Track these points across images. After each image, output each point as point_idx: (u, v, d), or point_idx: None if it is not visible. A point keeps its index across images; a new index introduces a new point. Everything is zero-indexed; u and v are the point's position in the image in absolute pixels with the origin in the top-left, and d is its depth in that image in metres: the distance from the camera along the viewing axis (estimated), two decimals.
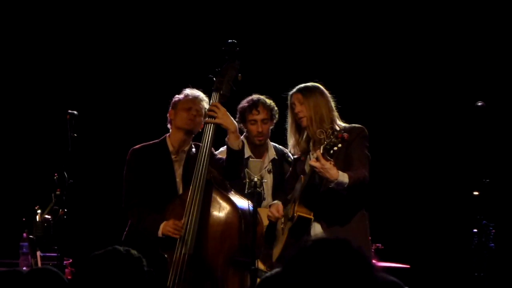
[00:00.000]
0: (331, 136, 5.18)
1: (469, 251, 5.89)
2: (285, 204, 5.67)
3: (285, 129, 5.78)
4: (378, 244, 6.61)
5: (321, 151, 5.19)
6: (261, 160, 5.81)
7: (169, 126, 5.86)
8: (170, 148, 5.78)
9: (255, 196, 5.33)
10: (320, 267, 2.28)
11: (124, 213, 5.74)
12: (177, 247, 5.43)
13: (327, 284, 2.25)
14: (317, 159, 5.22)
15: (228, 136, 5.56)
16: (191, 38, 8.07)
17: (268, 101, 6.15)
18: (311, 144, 5.59)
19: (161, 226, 5.50)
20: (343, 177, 5.27)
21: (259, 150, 6.20)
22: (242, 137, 6.20)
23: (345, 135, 5.19)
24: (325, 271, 2.27)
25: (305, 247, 2.35)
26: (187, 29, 8.13)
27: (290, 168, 5.88)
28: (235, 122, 5.61)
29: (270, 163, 6.19)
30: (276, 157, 6.19)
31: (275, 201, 5.73)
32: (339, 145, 5.17)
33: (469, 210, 6.02)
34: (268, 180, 6.12)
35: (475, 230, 5.85)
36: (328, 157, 5.20)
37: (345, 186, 5.28)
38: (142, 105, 7.85)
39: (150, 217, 5.58)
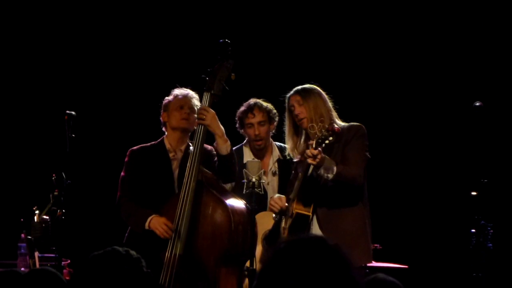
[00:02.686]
0: (322, 130, 5.21)
1: (467, 251, 5.89)
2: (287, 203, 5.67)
3: (283, 132, 5.78)
4: (376, 245, 6.60)
5: (314, 146, 5.22)
6: (259, 160, 5.80)
7: (164, 129, 5.86)
8: (168, 146, 5.79)
9: (253, 197, 5.34)
10: (296, 268, 2.27)
11: (116, 211, 5.74)
12: (168, 248, 5.44)
13: (304, 285, 2.24)
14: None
15: (216, 141, 5.56)
16: (186, 39, 8.07)
17: (265, 104, 6.13)
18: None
19: (151, 219, 5.50)
20: (330, 163, 5.28)
21: (262, 154, 6.17)
22: (244, 142, 6.20)
23: (336, 128, 5.24)
24: (301, 271, 2.26)
25: (279, 249, 2.34)
26: (181, 29, 8.13)
27: (292, 171, 5.87)
28: (222, 127, 5.58)
29: (276, 164, 6.16)
30: (281, 157, 6.16)
31: (277, 195, 5.74)
32: (330, 138, 5.21)
33: (467, 210, 6.02)
34: (274, 182, 6.11)
35: (473, 230, 5.84)
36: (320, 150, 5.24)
37: (334, 172, 5.28)
38: (139, 105, 7.85)
39: (139, 211, 5.58)
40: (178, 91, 5.84)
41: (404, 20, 8.00)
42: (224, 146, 5.54)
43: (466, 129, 6.54)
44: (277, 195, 5.75)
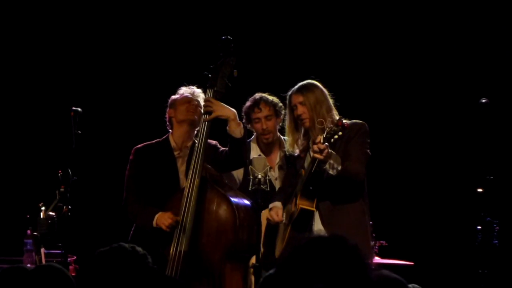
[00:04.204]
0: (331, 125, 5.20)
1: (473, 248, 5.89)
2: (285, 204, 5.67)
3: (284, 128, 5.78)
4: (382, 241, 6.61)
5: (322, 141, 5.20)
6: (265, 157, 5.80)
7: (168, 128, 5.86)
8: (173, 144, 5.79)
9: (259, 193, 5.34)
10: (315, 265, 2.27)
11: (123, 211, 5.74)
12: (173, 244, 5.44)
13: (322, 281, 2.25)
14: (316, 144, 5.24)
15: (228, 125, 5.55)
16: (189, 36, 8.07)
17: (271, 97, 6.11)
18: (310, 142, 5.58)
19: (157, 216, 5.51)
20: (336, 158, 5.29)
21: (270, 149, 6.16)
22: (252, 138, 6.19)
23: (346, 122, 5.21)
24: (319, 269, 2.26)
25: (300, 245, 2.34)
26: (184, 27, 8.13)
27: (289, 166, 5.86)
28: (232, 109, 5.59)
29: (284, 159, 6.14)
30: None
31: (275, 203, 5.71)
32: (340, 133, 5.19)
33: (473, 207, 6.02)
34: (283, 176, 6.09)
35: (479, 227, 5.85)
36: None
37: (339, 168, 5.29)
38: (144, 102, 7.86)
39: (146, 210, 5.59)
40: (184, 89, 5.86)
41: (409, 16, 7.98)
42: (237, 129, 5.54)
43: (472, 126, 6.54)
44: (275, 205, 5.68)
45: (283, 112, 6.04)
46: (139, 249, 2.97)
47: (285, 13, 8.07)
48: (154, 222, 5.51)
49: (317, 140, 5.22)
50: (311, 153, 5.34)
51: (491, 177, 5.94)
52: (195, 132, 5.79)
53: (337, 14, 8.06)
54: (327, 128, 5.22)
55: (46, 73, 8.08)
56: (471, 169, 6.87)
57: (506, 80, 7.77)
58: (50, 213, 5.67)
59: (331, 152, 5.25)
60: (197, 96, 5.80)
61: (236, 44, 5.61)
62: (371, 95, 7.91)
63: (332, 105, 5.58)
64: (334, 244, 2.31)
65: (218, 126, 5.67)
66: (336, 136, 5.20)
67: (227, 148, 5.67)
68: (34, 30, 8.07)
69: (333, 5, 8.08)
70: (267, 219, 5.65)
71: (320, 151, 5.18)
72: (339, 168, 5.31)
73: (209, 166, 5.57)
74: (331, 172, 5.33)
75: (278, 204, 5.67)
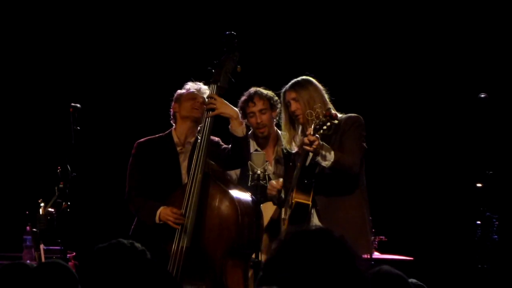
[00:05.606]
0: (320, 116, 5.20)
1: (473, 243, 5.89)
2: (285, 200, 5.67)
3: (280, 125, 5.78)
4: (381, 237, 6.60)
5: (312, 132, 5.20)
6: (263, 152, 5.78)
7: (172, 122, 5.85)
8: (176, 139, 5.79)
9: (259, 189, 5.33)
10: (301, 260, 2.26)
11: (126, 205, 5.74)
12: (175, 240, 5.44)
13: (310, 275, 2.24)
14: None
15: (230, 124, 5.55)
16: (192, 31, 8.06)
17: (265, 91, 6.09)
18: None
19: (159, 211, 5.50)
20: (328, 150, 5.28)
21: (265, 143, 6.16)
22: (249, 132, 6.18)
23: (333, 113, 5.21)
24: (305, 263, 2.25)
25: (285, 240, 2.33)
26: (187, 22, 8.12)
27: (290, 163, 5.86)
28: (235, 108, 5.60)
29: (279, 154, 6.12)
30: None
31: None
32: (328, 124, 5.19)
33: (472, 202, 6.02)
34: (280, 170, 6.08)
35: (479, 222, 5.84)
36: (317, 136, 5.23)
37: (331, 160, 5.28)
38: (144, 98, 7.86)
39: (148, 204, 5.58)
40: (191, 85, 5.85)
41: (407, 10, 7.97)
42: (240, 128, 5.54)
43: (471, 120, 6.53)
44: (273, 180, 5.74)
45: (278, 105, 6.02)
46: (137, 245, 2.96)
47: (289, 8, 8.06)
48: (157, 218, 5.50)
49: (307, 132, 5.23)
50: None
51: (491, 172, 5.94)
52: (198, 128, 5.79)
53: (336, 9, 8.05)
54: (316, 120, 5.22)
55: (45, 69, 8.07)
56: (470, 164, 6.87)
57: (505, 74, 7.77)
58: (49, 209, 5.67)
59: (322, 143, 5.25)
60: (203, 93, 5.78)
61: (239, 40, 5.60)
62: (369, 90, 7.90)
63: (327, 100, 5.58)
64: (319, 237, 2.30)
65: (221, 124, 5.67)
66: (325, 127, 5.20)
67: (229, 146, 5.67)
68: (33, 26, 8.06)
69: (333, 1, 8.07)
70: (268, 190, 5.62)
71: (310, 143, 5.18)
72: (332, 160, 5.30)
73: (212, 162, 5.57)
74: (323, 164, 5.32)
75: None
